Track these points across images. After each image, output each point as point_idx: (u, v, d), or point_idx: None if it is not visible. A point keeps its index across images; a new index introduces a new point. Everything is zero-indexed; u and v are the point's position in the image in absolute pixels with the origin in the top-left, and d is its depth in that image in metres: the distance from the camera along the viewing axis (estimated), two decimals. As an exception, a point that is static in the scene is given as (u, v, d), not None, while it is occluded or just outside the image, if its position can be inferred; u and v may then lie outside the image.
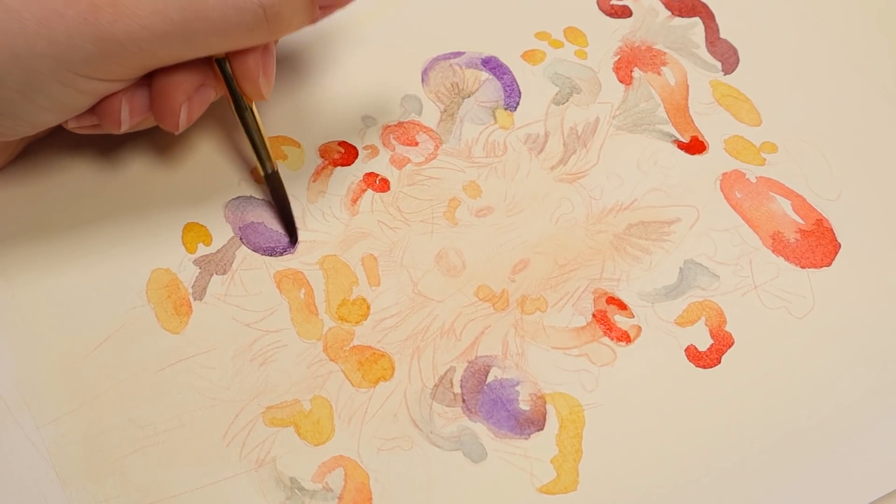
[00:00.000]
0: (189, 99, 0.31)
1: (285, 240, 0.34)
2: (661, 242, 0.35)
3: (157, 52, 0.28)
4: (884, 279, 0.34)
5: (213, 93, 0.32)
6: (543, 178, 0.36)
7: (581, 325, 0.33)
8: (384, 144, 0.37)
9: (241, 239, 0.34)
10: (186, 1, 0.27)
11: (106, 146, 0.36)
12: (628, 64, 0.40)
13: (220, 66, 0.31)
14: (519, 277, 0.34)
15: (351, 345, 0.33)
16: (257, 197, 0.35)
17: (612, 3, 0.41)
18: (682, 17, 0.41)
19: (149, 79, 0.30)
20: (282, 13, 0.28)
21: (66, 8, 0.26)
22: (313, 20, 0.30)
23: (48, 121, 0.30)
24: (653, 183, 0.36)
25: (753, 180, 0.37)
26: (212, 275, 0.34)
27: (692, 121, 0.38)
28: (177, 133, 0.32)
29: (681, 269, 0.34)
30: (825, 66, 0.40)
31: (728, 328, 0.33)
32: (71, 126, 0.31)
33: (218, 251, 0.34)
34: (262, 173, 0.34)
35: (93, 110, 0.30)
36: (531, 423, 0.31)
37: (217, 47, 0.29)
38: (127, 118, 0.30)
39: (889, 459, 0.31)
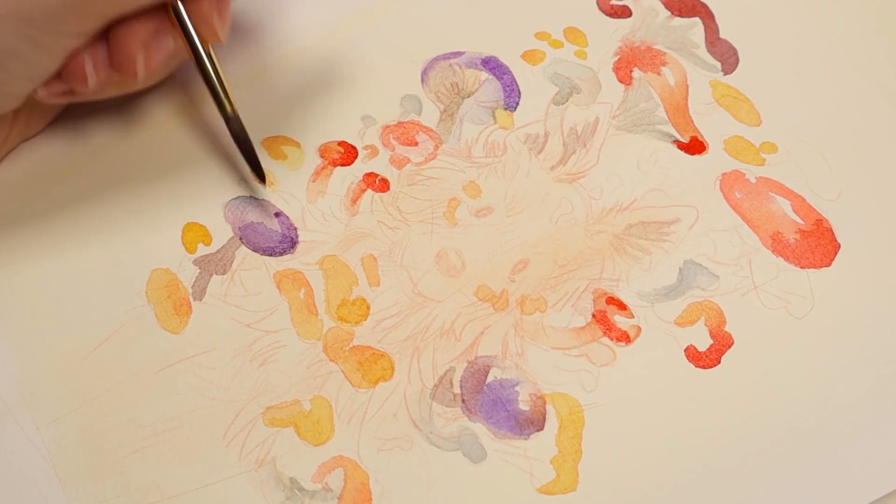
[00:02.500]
0: (146, 47, 0.31)
1: (285, 239, 0.34)
2: (660, 242, 0.35)
3: None
4: (883, 279, 0.34)
5: (171, 40, 0.32)
6: (543, 179, 0.36)
7: (581, 326, 0.33)
8: (384, 144, 0.37)
9: (240, 239, 0.35)
10: None
11: (106, 146, 0.36)
12: (628, 64, 0.40)
13: (175, 12, 0.31)
14: (519, 277, 0.34)
15: (351, 345, 0.33)
16: (257, 197, 0.35)
17: (611, 3, 0.41)
18: (682, 17, 0.41)
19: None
20: None
21: None
22: None
23: (22, 89, 0.31)
24: (652, 183, 0.36)
25: (753, 180, 0.37)
26: (211, 275, 0.34)
27: (692, 121, 0.38)
28: (136, 82, 0.32)
29: (680, 269, 0.34)
30: (825, 67, 0.40)
31: (728, 328, 0.33)
32: (41, 94, 0.32)
33: (218, 251, 0.34)
34: (222, 114, 0.34)
35: (60, 76, 0.31)
36: (531, 423, 0.31)
37: None
38: (92, 73, 0.31)
39: (889, 459, 0.31)
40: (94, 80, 0.31)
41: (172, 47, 0.32)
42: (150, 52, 0.31)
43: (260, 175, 0.35)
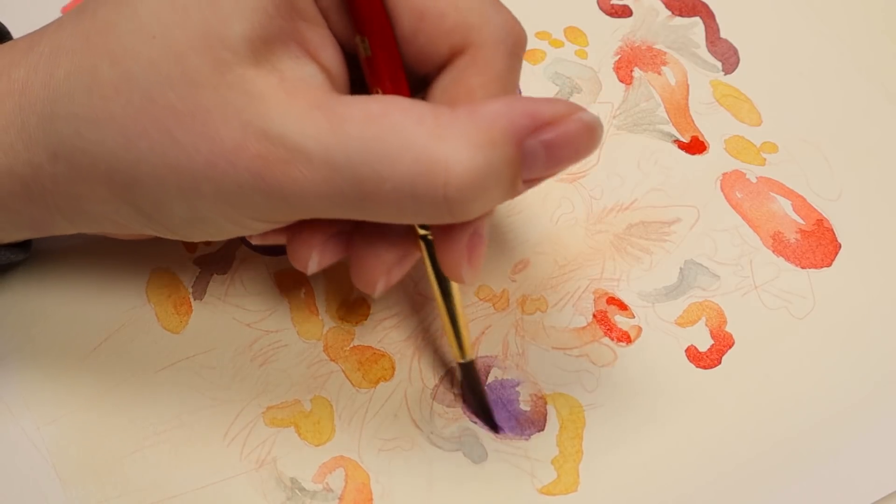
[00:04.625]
0: (388, 272, 0.28)
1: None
2: (661, 242, 0.35)
3: (327, 213, 0.25)
4: (884, 279, 0.34)
5: (413, 262, 0.29)
6: (544, 178, 0.36)
7: (581, 326, 0.33)
8: (384, 144, 0.37)
9: (241, 238, 0.34)
10: (360, 180, 0.23)
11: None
12: (628, 64, 0.40)
13: (426, 245, 0.28)
14: (519, 277, 0.34)
15: (351, 345, 0.33)
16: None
17: (612, 2, 0.41)
18: (683, 16, 0.41)
19: (346, 236, 0.28)
20: (469, 209, 0.24)
21: (235, 156, 0.24)
22: (512, 197, 0.25)
23: (211, 240, 0.29)
24: (653, 183, 0.36)
25: (754, 180, 0.37)
26: (212, 274, 0.34)
27: (692, 121, 0.38)
28: (374, 297, 0.30)
29: (681, 269, 0.34)
30: (826, 66, 0.40)
31: (728, 328, 0.33)
32: (255, 242, 0.29)
33: (218, 251, 0.34)
34: (458, 360, 0.31)
35: (281, 234, 0.28)
36: (532, 423, 0.31)
37: (390, 220, 0.25)
38: (315, 268, 0.28)
39: (890, 460, 0.31)
40: (314, 271, 0.28)
41: (410, 268, 0.29)
42: (391, 277, 0.28)
43: (493, 426, 0.31)
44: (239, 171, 0.24)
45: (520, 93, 0.37)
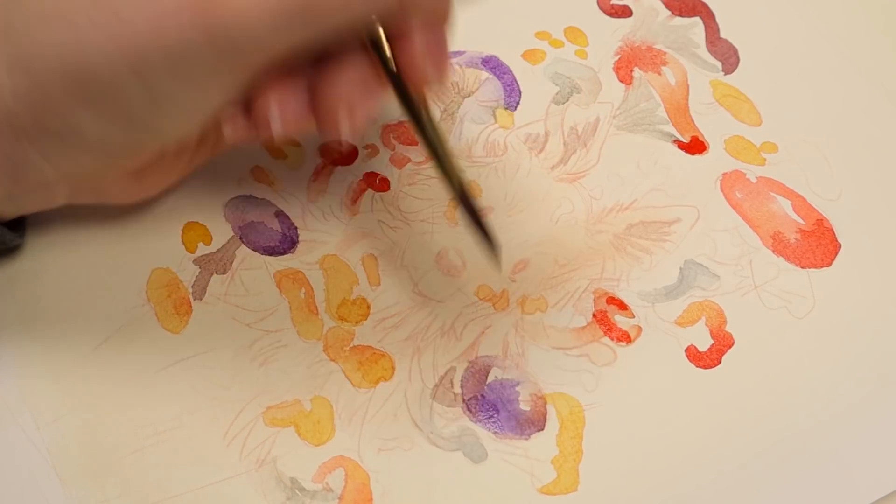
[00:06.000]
0: (349, 102, 0.27)
1: (286, 239, 0.34)
2: (661, 242, 0.35)
3: (275, 45, 0.25)
4: (884, 279, 0.34)
5: (378, 92, 0.28)
6: (543, 178, 0.36)
7: (581, 326, 0.33)
8: (384, 144, 0.37)
9: (240, 238, 0.34)
10: None
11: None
12: (628, 64, 0.40)
13: (389, 76, 0.27)
14: (519, 277, 0.34)
15: (351, 345, 0.33)
16: (257, 196, 0.35)
17: (612, 2, 0.41)
18: (683, 16, 0.41)
19: (305, 84, 0.28)
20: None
21: (177, 12, 0.24)
22: None
23: (183, 128, 0.29)
24: (653, 183, 0.36)
25: (754, 180, 0.37)
26: (212, 274, 0.34)
27: (692, 121, 0.38)
28: (342, 142, 0.29)
29: (681, 269, 0.34)
30: (826, 66, 0.40)
31: (728, 328, 0.33)
32: (227, 133, 0.29)
33: (218, 251, 0.34)
34: (449, 189, 0.29)
35: (246, 115, 0.28)
36: (532, 423, 0.31)
37: (340, 25, 0.25)
38: (277, 121, 0.28)
39: (890, 460, 0.31)
40: (278, 128, 0.28)
41: (380, 96, 0.28)
42: (354, 115, 0.27)
43: (491, 247, 0.30)
44: (183, 28, 0.25)
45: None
